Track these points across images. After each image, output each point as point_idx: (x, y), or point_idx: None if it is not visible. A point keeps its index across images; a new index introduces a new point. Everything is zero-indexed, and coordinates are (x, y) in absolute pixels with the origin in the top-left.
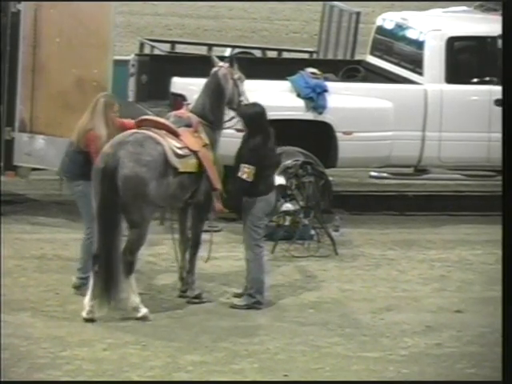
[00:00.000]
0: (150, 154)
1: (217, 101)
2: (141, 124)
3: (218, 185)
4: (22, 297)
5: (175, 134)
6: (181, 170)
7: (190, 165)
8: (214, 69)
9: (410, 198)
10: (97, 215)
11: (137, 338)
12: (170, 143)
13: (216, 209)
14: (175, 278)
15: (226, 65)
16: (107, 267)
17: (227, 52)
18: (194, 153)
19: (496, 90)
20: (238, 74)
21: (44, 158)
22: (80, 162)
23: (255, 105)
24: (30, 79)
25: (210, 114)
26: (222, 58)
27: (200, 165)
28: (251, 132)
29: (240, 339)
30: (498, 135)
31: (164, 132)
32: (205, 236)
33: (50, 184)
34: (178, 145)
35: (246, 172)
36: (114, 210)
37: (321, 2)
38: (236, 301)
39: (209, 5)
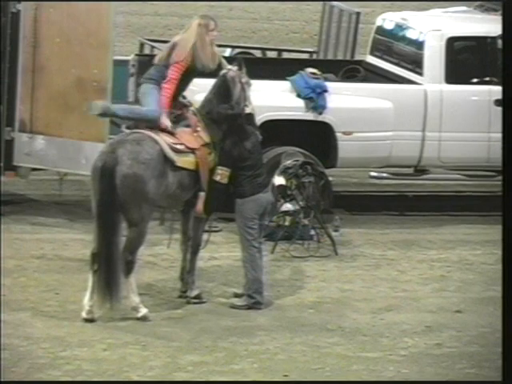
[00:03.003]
0: (148, 152)
1: (223, 103)
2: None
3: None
4: (21, 297)
5: (170, 133)
6: (178, 164)
7: (187, 162)
8: (223, 71)
9: (409, 198)
10: (96, 214)
11: (137, 338)
12: (166, 139)
13: (196, 209)
14: (175, 278)
15: (235, 68)
16: (108, 266)
17: (227, 52)
18: (192, 151)
19: (496, 90)
20: (245, 78)
21: (44, 158)
22: None
23: (230, 107)
24: (30, 79)
25: (215, 114)
26: (228, 60)
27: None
28: (226, 134)
29: (240, 339)
30: (497, 135)
31: (158, 130)
32: (204, 236)
33: (50, 184)
34: (174, 141)
35: (219, 174)
36: (114, 208)
37: (321, 2)
38: (236, 301)
39: (209, 5)
